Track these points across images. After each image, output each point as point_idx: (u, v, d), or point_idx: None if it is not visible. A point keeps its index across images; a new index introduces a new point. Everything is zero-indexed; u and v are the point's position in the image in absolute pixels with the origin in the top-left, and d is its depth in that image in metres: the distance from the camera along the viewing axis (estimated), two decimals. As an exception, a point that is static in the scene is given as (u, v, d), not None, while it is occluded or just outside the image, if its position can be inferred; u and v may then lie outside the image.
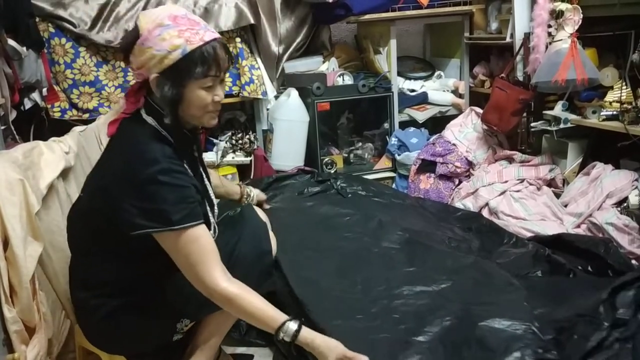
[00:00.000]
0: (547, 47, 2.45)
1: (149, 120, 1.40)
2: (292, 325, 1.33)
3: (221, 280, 1.33)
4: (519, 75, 2.73)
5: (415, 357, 1.44)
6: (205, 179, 1.58)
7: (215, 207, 1.58)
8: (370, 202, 2.39)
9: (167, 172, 1.31)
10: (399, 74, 3.22)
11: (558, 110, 2.54)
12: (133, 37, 1.35)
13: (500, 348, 1.41)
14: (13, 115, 2.30)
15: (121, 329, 1.49)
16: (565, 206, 2.42)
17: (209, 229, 1.47)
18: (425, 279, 1.75)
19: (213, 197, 1.59)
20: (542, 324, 1.48)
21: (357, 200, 2.42)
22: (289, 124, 2.93)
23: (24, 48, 2.30)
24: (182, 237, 1.32)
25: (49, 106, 2.71)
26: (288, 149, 2.97)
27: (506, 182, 2.60)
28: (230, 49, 2.86)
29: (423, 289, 1.71)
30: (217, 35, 1.38)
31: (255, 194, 2.03)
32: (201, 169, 1.57)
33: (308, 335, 1.34)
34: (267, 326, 1.35)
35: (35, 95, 2.58)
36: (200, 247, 1.33)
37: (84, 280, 1.52)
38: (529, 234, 2.26)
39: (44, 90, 2.62)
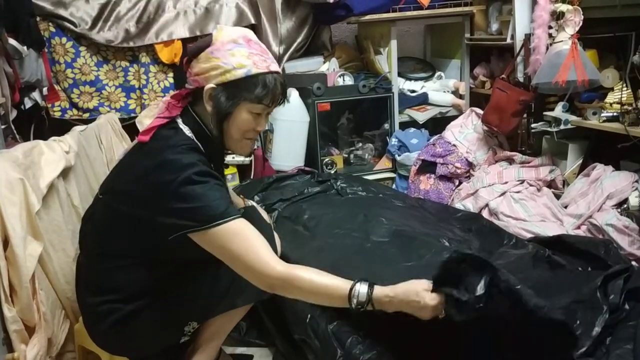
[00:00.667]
0: (547, 48, 2.45)
1: (185, 130, 1.41)
2: (362, 288, 1.24)
3: (276, 264, 1.27)
4: (520, 76, 2.73)
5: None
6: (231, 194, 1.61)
7: None
8: (369, 203, 2.38)
9: (204, 174, 1.32)
10: (400, 74, 3.22)
11: (558, 111, 2.54)
12: (205, 44, 1.39)
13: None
14: (13, 114, 2.31)
15: (130, 334, 1.49)
16: (566, 207, 2.42)
17: None
18: (427, 273, 1.73)
19: None
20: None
21: (357, 201, 2.41)
22: (289, 124, 2.93)
23: (25, 47, 2.30)
24: (227, 232, 1.29)
25: (49, 105, 2.72)
26: (288, 149, 2.97)
27: (506, 183, 2.60)
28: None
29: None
30: (280, 71, 1.44)
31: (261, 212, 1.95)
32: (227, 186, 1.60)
33: (384, 291, 1.24)
34: (336, 298, 1.26)
35: (35, 95, 2.58)
36: (247, 238, 1.30)
37: (94, 284, 1.50)
38: (529, 235, 2.26)
39: (45, 89, 2.62)
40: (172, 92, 2.81)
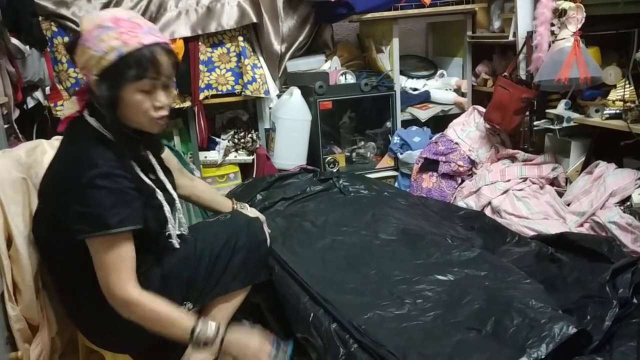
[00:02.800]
0: (550, 46, 2.45)
1: (92, 121, 1.40)
2: (206, 326, 1.36)
3: (126, 289, 1.34)
4: (522, 74, 2.73)
5: (458, 337, 1.44)
6: (164, 178, 1.57)
7: (177, 204, 1.59)
8: (375, 201, 2.38)
9: (106, 176, 1.32)
10: (402, 72, 3.22)
11: (561, 109, 2.53)
12: (76, 37, 1.38)
13: (544, 316, 1.41)
14: (16, 113, 2.31)
15: (121, 321, 1.50)
16: (568, 205, 2.42)
17: (165, 227, 1.51)
18: (438, 270, 1.76)
19: (175, 195, 1.59)
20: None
21: (362, 199, 2.42)
22: (291, 122, 2.93)
23: (27, 47, 2.30)
24: (112, 242, 1.33)
25: (51, 105, 2.72)
26: (290, 148, 2.98)
27: (509, 181, 2.59)
28: (233, 48, 2.88)
29: (440, 278, 1.71)
30: (161, 40, 1.38)
31: (251, 211, 1.94)
32: (158, 169, 1.57)
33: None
34: (180, 326, 1.37)
35: (38, 94, 2.58)
36: (123, 256, 1.34)
37: (67, 284, 1.54)
38: (531, 233, 2.25)
39: (47, 89, 2.63)
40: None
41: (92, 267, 1.40)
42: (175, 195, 1.60)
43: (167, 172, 1.63)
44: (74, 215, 1.33)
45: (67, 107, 1.65)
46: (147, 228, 1.42)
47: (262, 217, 1.89)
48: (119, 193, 1.34)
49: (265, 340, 1.49)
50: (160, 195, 1.51)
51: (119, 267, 1.34)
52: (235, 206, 1.92)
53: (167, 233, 1.53)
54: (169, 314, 1.37)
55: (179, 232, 1.58)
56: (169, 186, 1.58)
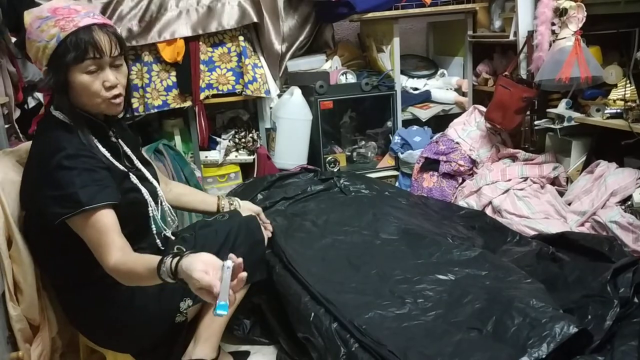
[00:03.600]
0: (550, 45, 2.44)
1: (57, 114, 1.43)
2: (168, 260, 1.26)
3: (111, 258, 1.32)
4: (523, 74, 2.72)
5: (459, 336, 1.44)
6: (142, 168, 1.59)
7: (160, 194, 1.60)
8: (376, 201, 2.38)
9: (73, 157, 1.35)
10: (402, 72, 3.21)
11: (562, 108, 2.53)
12: (24, 33, 1.42)
13: (545, 316, 1.41)
14: (17, 113, 2.31)
15: (120, 319, 1.52)
16: (569, 204, 2.41)
17: (146, 210, 1.52)
18: (439, 269, 1.76)
19: (157, 185, 1.60)
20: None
21: (363, 199, 2.42)
22: (292, 122, 2.93)
23: (28, 47, 2.30)
24: (89, 218, 1.34)
25: (52, 105, 2.72)
26: (291, 148, 2.97)
27: (509, 180, 2.59)
28: (234, 47, 2.88)
29: (441, 277, 1.72)
30: (99, 21, 1.40)
31: (242, 205, 1.91)
32: (134, 159, 1.58)
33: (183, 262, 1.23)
34: (153, 273, 1.28)
35: (38, 94, 2.58)
36: (102, 227, 1.34)
37: (66, 285, 1.54)
38: (532, 232, 2.25)
39: (48, 89, 2.62)
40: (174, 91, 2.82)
41: (85, 264, 1.41)
42: (157, 185, 1.60)
43: (147, 164, 1.64)
44: (49, 200, 1.35)
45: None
46: (126, 211, 1.42)
47: (256, 209, 1.89)
48: (87, 171, 1.36)
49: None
50: (134, 179, 1.51)
51: (100, 241, 1.34)
52: (222, 202, 1.88)
53: (150, 216, 1.54)
54: (144, 267, 1.31)
55: (170, 226, 1.59)
56: (148, 175, 1.59)
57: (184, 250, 1.39)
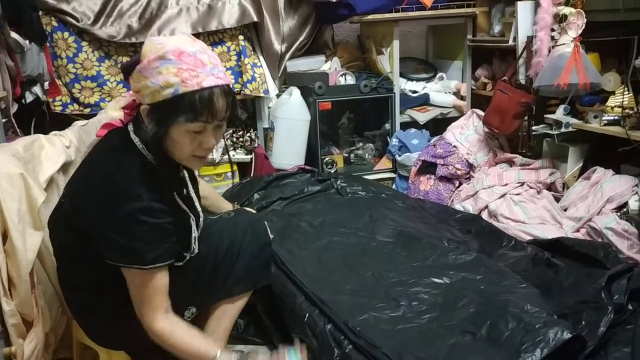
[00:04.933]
0: (549, 51, 2.45)
1: (136, 140, 1.36)
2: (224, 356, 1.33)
3: (157, 321, 1.35)
4: (521, 79, 2.73)
5: (453, 340, 1.44)
6: (193, 194, 1.54)
7: (201, 219, 1.57)
8: (372, 203, 2.38)
9: (147, 212, 1.29)
10: (401, 74, 3.22)
11: (559, 114, 2.54)
12: (135, 61, 1.30)
13: (539, 321, 1.41)
14: (14, 108, 2.31)
15: (121, 325, 1.49)
16: (565, 210, 2.42)
17: (189, 248, 1.48)
18: (435, 272, 1.76)
19: (199, 209, 1.57)
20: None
21: (360, 201, 2.42)
22: (290, 122, 2.93)
23: (27, 41, 2.30)
24: (146, 276, 1.33)
25: (50, 100, 2.71)
26: (289, 148, 2.97)
27: (506, 185, 2.59)
28: (233, 46, 2.88)
29: (436, 281, 1.72)
30: (222, 82, 1.29)
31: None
32: (189, 186, 1.54)
33: None
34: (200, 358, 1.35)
35: (36, 89, 2.58)
36: (155, 288, 1.34)
37: (77, 283, 1.51)
38: (528, 237, 2.26)
39: (46, 84, 2.62)
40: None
41: (108, 274, 1.39)
42: (200, 211, 1.57)
43: (194, 181, 1.59)
44: (109, 242, 1.31)
45: (108, 110, 1.59)
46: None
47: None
48: (158, 229, 1.31)
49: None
50: (193, 220, 1.49)
51: (150, 299, 1.34)
52: (234, 207, 1.88)
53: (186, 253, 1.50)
54: (190, 347, 1.36)
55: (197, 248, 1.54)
56: (196, 202, 1.55)
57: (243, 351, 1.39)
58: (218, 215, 1.78)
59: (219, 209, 1.89)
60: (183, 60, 1.24)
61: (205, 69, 1.26)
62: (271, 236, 1.73)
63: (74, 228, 1.41)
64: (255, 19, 2.87)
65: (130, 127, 1.37)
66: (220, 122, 1.33)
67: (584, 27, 2.30)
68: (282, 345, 1.30)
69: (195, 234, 1.49)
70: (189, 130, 1.29)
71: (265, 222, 1.75)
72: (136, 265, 1.31)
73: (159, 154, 1.33)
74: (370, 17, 2.97)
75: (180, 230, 1.42)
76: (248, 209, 1.93)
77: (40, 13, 2.56)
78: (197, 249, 1.52)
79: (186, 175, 1.53)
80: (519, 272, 1.82)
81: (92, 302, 1.50)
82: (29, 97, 2.52)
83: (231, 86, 1.35)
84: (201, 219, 1.57)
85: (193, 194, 1.54)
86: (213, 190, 2.03)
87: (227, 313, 1.64)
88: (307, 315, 1.60)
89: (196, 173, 1.65)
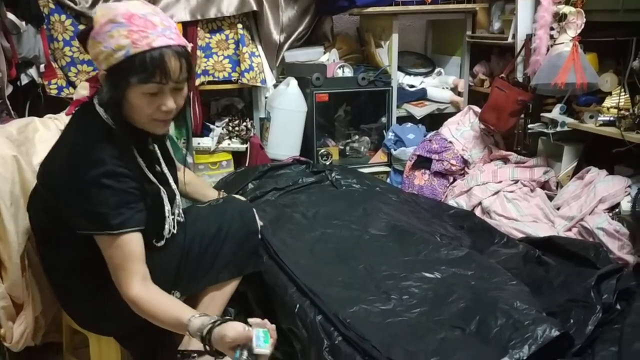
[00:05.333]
0: (548, 50, 2.45)
1: (101, 111, 1.38)
2: (197, 320, 1.28)
3: (133, 288, 1.34)
4: (519, 77, 2.73)
5: (442, 334, 1.45)
6: (167, 171, 1.55)
7: (178, 200, 1.57)
8: (367, 196, 2.39)
9: (111, 175, 1.31)
10: (399, 68, 3.21)
11: (556, 113, 2.54)
12: (88, 28, 1.33)
13: (528, 318, 1.42)
14: (9, 90, 2.29)
15: (106, 308, 1.50)
16: (558, 209, 2.43)
17: (163, 225, 1.48)
18: (426, 267, 1.77)
19: (175, 189, 1.57)
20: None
21: (354, 193, 2.42)
22: (286, 113, 2.92)
23: (23, 22, 2.28)
24: (116, 241, 1.33)
25: (45, 83, 2.69)
26: (284, 139, 2.97)
27: (500, 182, 2.60)
28: (232, 35, 2.86)
29: (427, 275, 1.72)
30: (174, 42, 1.31)
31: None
32: (162, 163, 1.54)
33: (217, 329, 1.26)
34: (177, 324, 1.32)
35: (32, 71, 2.56)
36: (128, 254, 1.34)
37: (57, 266, 1.52)
38: (520, 235, 2.27)
39: (42, 66, 2.60)
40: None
41: (85, 254, 1.40)
42: (176, 189, 1.57)
43: (170, 163, 1.60)
44: (78, 209, 1.33)
45: (79, 89, 1.61)
46: (147, 228, 1.41)
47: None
48: (123, 194, 1.33)
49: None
50: (164, 194, 1.49)
51: (124, 265, 1.35)
52: (220, 195, 1.87)
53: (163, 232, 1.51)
54: (166, 313, 1.35)
55: (174, 228, 1.55)
56: (171, 180, 1.56)
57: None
58: (206, 203, 1.78)
59: (205, 196, 1.88)
60: (133, 22, 1.27)
61: (156, 30, 1.28)
62: (260, 223, 1.75)
63: (49, 208, 1.42)
64: (255, 8, 2.85)
65: (96, 100, 1.40)
66: (177, 84, 1.34)
67: (583, 26, 2.30)
68: (255, 324, 1.28)
69: (168, 206, 1.49)
70: (144, 92, 1.31)
71: (254, 210, 1.76)
72: (105, 231, 1.32)
73: (120, 120, 1.36)
74: (369, 9, 2.96)
75: (150, 202, 1.43)
76: (237, 196, 1.92)
77: (38, -6, 2.54)
78: (174, 228, 1.53)
79: (157, 151, 1.53)
80: (510, 269, 1.83)
81: (74, 285, 1.51)
82: (25, 80, 2.50)
83: (187, 48, 1.36)
84: (177, 200, 1.57)
85: (167, 173, 1.54)
86: (198, 178, 2.03)
87: (216, 300, 1.65)
88: (297, 306, 1.61)
89: (188, 167, 1.66)
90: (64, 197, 1.35)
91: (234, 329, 1.23)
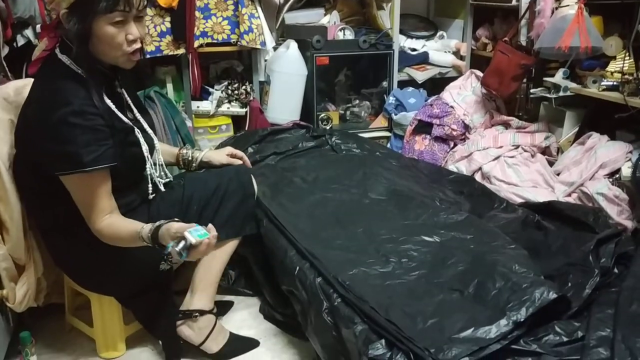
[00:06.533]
0: (553, 12, 2.41)
1: (64, 58, 1.40)
2: (146, 228, 1.37)
3: (99, 221, 1.40)
4: (523, 40, 2.69)
5: (441, 297, 1.46)
6: (141, 118, 1.58)
7: (157, 145, 1.62)
8: (367, 160, 2.38)
9: (79, 114, 1.33)
10: (401, 31, 3.17)
11: (559, 77, 2.52)
12: None
13: (526, 281, 1.43)
14: (5, 50, 2.25)
15: (104, 263, 1.53)
16: (558, 174, 2.43)
17: (143, 166, 1.53)
18: (426, 231, 1.78)
19: (153, 135, 1.60)
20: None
21: (354, 158, 2.42)
22: (286, 76, 2.89)
23: (18, -19, 2.23)
24: (89, 179, 1.36)
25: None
26: (284, 103, 2.94)
27: (501, 147, 2.59)
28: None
29: (426, 239, 1.73)
30: None
31: (209, 155, 1.83)
32: (135, 111, 1.57)
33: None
34: (135, 240, 1.39)
35: (28, 32, 2.51)
36: (99, 191, 1.39)
37: (45, 224, 1.55)
38: (519, 200, 2.27)
39: (38, 26, 2.55)
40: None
41: (73, 208, 1.42)
42: (154, 135, 1.60)
43: (144, 112, 1.62)
44: (48, 152, 1.35)
45: (37, 50, 1.62)
46: (124, 166, 1.43)
47: (226, 151, 1.85)
48: (92, 131, 1.35)
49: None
50: (138, 132, 1.51)
51: (92, 203, 1.39)
52: (182, 151, 1.82)
53: (147, 173, 1.55)
54: (126, 231, 1.41)
55: (162, 178, 1.60)
56: (146, 126, 1.58)
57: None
58: (204, 170, 1.80)
59: (169, 154, 1.82)
60: None
61: None
62: (255, 188, 1.76)
63: (27, 163, 1.46)
64: (254, -32, 2.79)
65: (57, 50, 1.41)
66: (139, 12, 1.39)
67: (589, -11, 2.26)
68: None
69: (145, 146, 1.52)
70: (110, 22, 1.34)
71: (251, 174, 1.78)
72: (78, 169, 1.34)
73: (88, 58, 1.38)
74: (372, -30, 2.90)
75: (124, 138, 1.46)
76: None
77: (32, -48, 2.48)
78: (161, 177, 1.60)
79: (126, 95, 1.55)
80: (508, 233, 1.84)
81: (64, 242, 1.54)
82: (21, 41, 2.46)
83: None
84: (157, 145, 1.61)
85: (142, 119, 1.58)
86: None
87: (217, 258, 1.67)
88: (297, 268, 1.62)
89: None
90: (35, 141, 1.38)
91: (178, 223, 1.34)
